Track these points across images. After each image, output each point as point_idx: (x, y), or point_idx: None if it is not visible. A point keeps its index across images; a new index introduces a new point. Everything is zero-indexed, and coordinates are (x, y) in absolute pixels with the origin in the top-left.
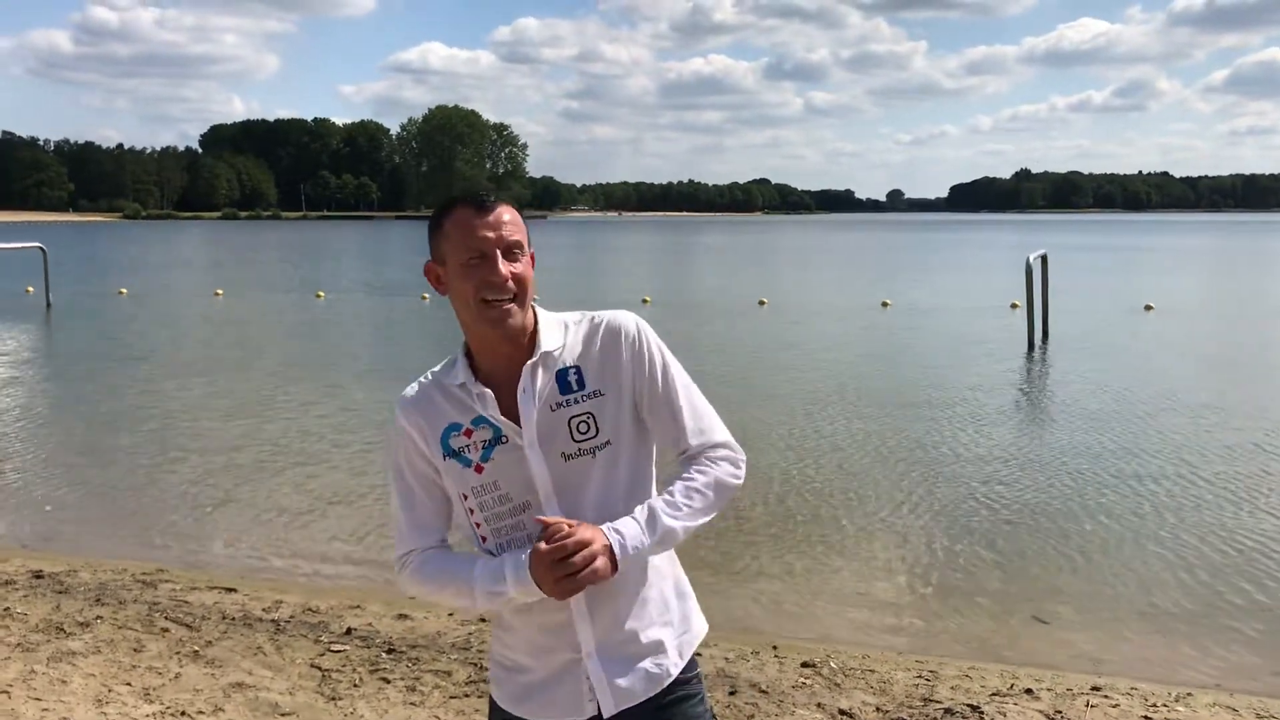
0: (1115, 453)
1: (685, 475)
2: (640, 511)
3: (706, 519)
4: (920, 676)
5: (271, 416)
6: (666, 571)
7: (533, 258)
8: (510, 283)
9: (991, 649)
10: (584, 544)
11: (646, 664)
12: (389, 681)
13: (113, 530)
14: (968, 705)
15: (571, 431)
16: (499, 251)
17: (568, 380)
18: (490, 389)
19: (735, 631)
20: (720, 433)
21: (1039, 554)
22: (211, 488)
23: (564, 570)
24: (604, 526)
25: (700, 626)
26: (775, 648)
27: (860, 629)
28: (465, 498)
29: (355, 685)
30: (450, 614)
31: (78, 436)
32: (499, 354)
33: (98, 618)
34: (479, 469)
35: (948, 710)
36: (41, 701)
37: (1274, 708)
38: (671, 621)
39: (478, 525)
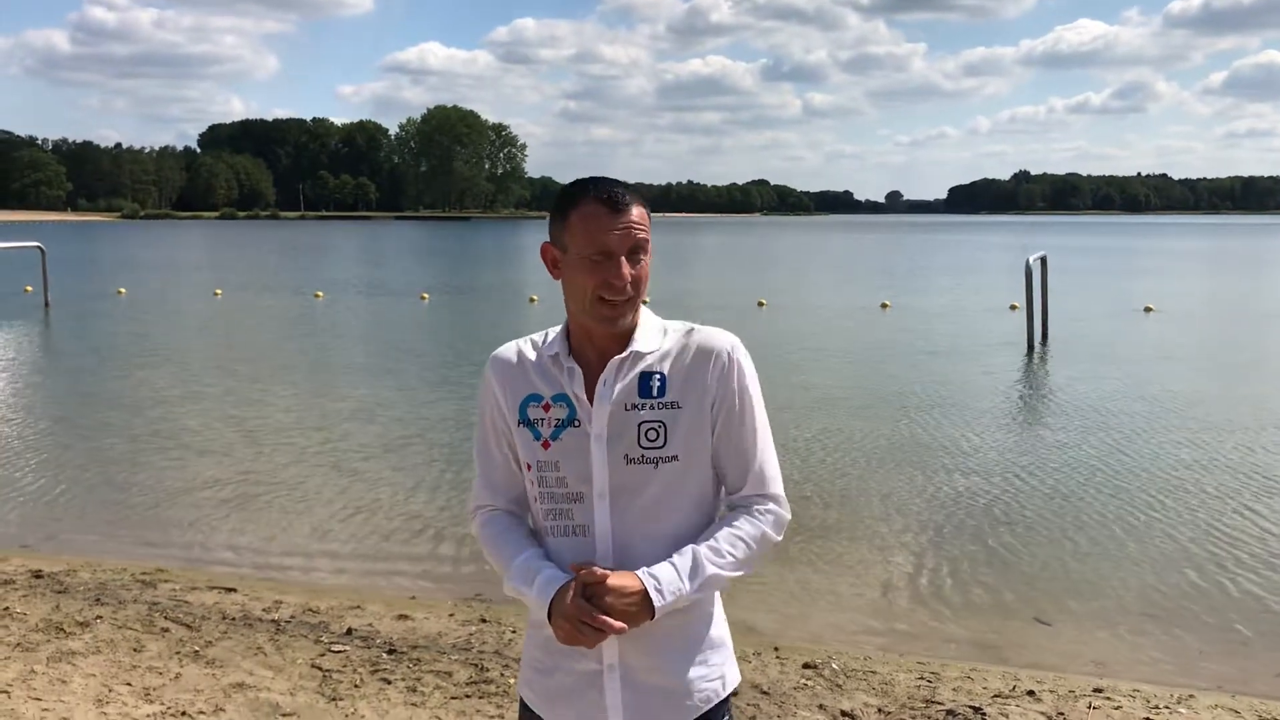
0: (1115, 454)
1: (733, 523)
2: (681, 558)
3: (745, 572)
4: (922, 678)
5: (271, 415)
6: (709, 615)
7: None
8: (629, 286)
9: (993, 650)
10: (613, 602)
11: (665, 696)
12: (390, 682)
13: (112, 530)
14: (970, 707)
15: (639, 436)
16: (624, 253)
17: (649, 384)
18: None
19: (737, 633)
20: (777, 485)
21: (1040, 556)
22: (211, 487)
23: (579, 632)
24: (640, 572)
25: (733, 678)
26: (777, 649)
27: (862, 630)
28: (529, 468)
29: (356, 686)
30: (451, 615)
31: (76, 436)
32: (595, 344)
33: (97, 617)
34: (546, 445)
35: (950, 712)
36: (41, 701)
37: (1276, 710)
38: (704, 663)
39: (535, 500)
